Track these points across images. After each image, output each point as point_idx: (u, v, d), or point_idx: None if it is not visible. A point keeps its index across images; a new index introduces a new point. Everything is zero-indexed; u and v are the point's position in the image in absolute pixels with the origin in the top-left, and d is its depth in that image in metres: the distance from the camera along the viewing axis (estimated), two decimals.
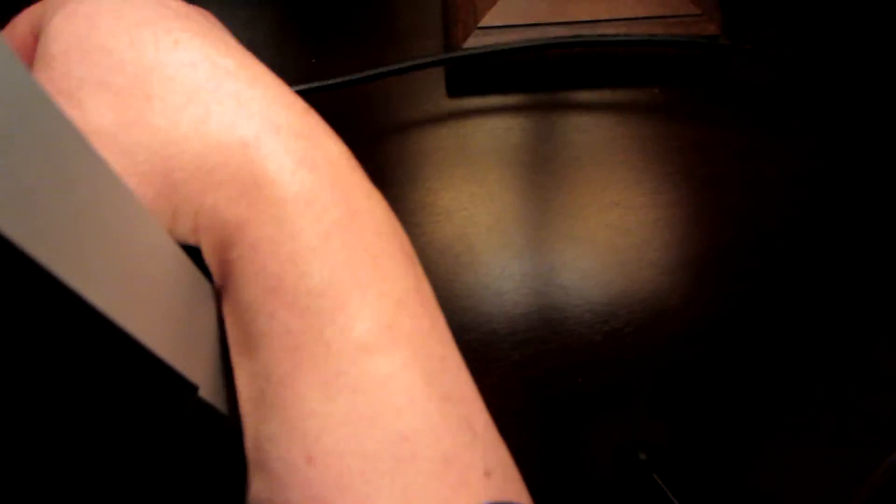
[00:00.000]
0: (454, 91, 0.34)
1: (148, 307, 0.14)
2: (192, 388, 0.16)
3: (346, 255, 0.17)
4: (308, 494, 0.16)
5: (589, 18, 0.32)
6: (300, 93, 0.24)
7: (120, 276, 0.13)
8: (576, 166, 0.33)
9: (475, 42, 0.32)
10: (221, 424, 0.19)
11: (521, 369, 0.31)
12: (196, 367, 0.17)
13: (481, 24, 0.32)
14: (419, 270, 0.19)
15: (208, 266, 0.19)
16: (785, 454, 0.29)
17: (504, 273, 0.32)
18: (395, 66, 0.30)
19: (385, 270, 0.18)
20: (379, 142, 0.33)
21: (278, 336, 0.17)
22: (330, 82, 0.30)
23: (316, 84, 0.30)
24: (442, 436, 0.16)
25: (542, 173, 0.33)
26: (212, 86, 0.18)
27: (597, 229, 0.33)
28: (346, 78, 0.30)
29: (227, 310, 0.18)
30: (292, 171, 0.17)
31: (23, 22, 0.21)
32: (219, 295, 0.19)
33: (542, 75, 0.34)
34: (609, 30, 0.32)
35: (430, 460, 0.16)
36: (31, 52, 0.20)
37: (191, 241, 0.19)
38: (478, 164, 0.33)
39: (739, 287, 0.32)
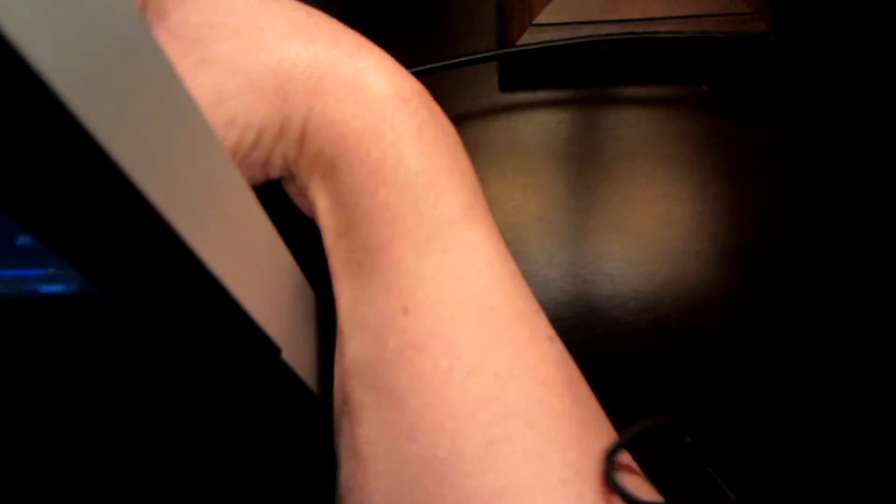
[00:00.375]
0: (506, 86, 0.36)
1: (248, 276, 0.16)
2: (276, 350, 0.18)
3: (435, 147, 0.20)
4: (404, 341, 0.18)
5: (641, 16, 0.33)
6: None
7: (228, 243, 0.15)
8: (624, 159, 0.34)
9: (529, 38, 0.33)
10: (301, 387, 0.21)
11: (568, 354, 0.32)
12: (281, 334, 0.19)
13: (536, 21, 0.33)
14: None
15: (308, 179, 0.22)
16: (831, 440, 0.30)
17: (552, 261, 0.33)
18: (455, 60, 0.31)
19: (462, 164, 0.21)
20: None
21: (378, 210, 0.19)
22: None
23: None
24: (516, 297, 0.19)
25: (590, 166, 0.34)
26: (311, 21, 0.22)
27: (643, 220, 0.34)
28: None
29: (329, 201, 0.21)
30: (390, 77, 0.21)
31: None
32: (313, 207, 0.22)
33: (593, 71, 0.35)
34: (660, 27, 0.33)
35: (506, 315, 0.19)
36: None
37: (292, 154, 0.22)
38: (528, 157, 0.35)
39: (783, 278, 0.32)
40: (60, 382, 0.22)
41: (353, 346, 0.19)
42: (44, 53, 0.08)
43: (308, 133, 0.21)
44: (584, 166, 0.34)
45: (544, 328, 0.20)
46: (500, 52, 0.33)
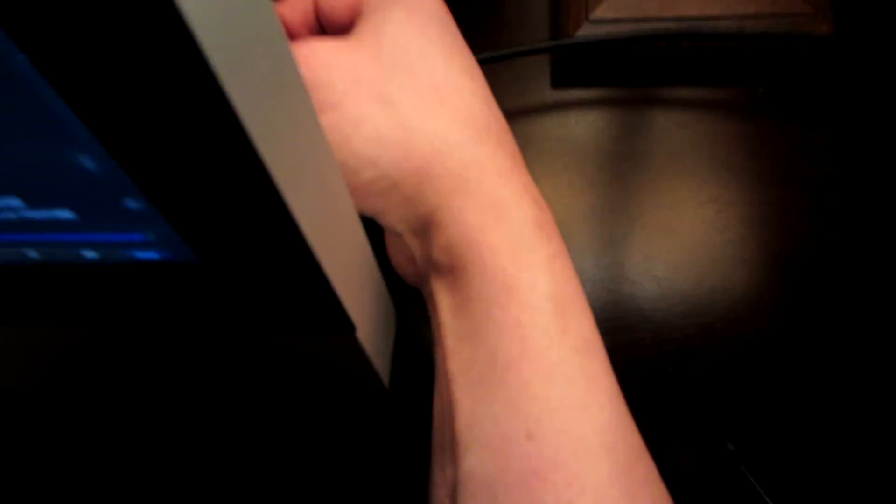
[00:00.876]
0: (558, 82, 0.35)
1: (337, 256, 0.16)
2: (352, 327, 0.18)
3: (563, 276, 0.21)
4: (526, 467, 0.18)
5: (699, 14, 0.32)
6: None
7: (325, 223, 0.15)
8: (675, 161, 0.34)
9: (585, 33, 0.33)
10: (371, 371, 0.21)
11: (612, 356, 0.31)
12: (357, 315, 0.19)
13: (592, 16, 0.32)
14: None
15: (426, 263, 0.23)
16: (876, 453, 0.29)
17: (599, 261, 0.33)
18: (509, 51, 0.31)
19: (584, 296, 0.22)
20: None
21: (508, 326, 0.20)
22: None
23: None
24: (632, 434, 0.20)
25: (641, 166, 0.34)
26: (485, 119, 0.23)
27: (693, 224, 0.33)
28: None
29: (453, 301, 0.21)
30: (530, 205, 0.22)
31: None
32: (422, 281, 0.23)
33: (647, 70, 0.35)
34: (718, 25, 0.32)
35: (626, 452, 0.19)
36: (310, 19, 0.27)
37: (412, 225, 0.23)
38: (578, 154, 0.34)
39: (833, 288, 0.32)
40: (146, 350, 0.22)
41: (470, 461, 0.19)
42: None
43: (439, 221, 0.21)
44: (635, 166, 0.34)
45: (654, 468, 0.20)
46: (557, 43, 0.32)
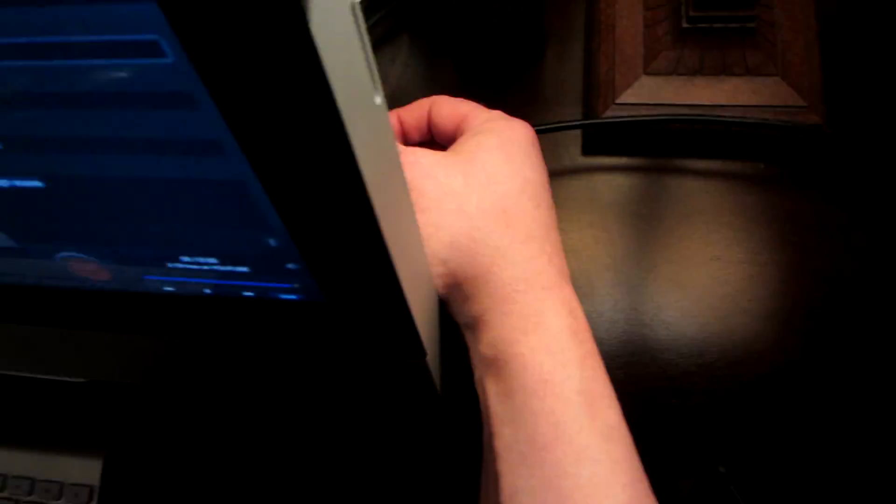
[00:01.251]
0: (588, 150, 0.42)
1: (421, 308, 0.23)
2: (423, 352, 0.24)
3: (593, 374, 0.25)
4: None
5: (708, 102, 0.38)
6: None
7: (412, 269, 0.22)
8: (686, 223, 0.40)
9: (612, 113, 0.39)
10: (432, 386, 0.27)
11: (625, 385, 0.37)
12: (427, 342, 0.25)
13: (618, 100, 0.39)
14: None
15: (476, 354, 0.27)
16: (859, 486, 0.34)
17: (617, 306, 0.39)
18: (549, 125, 0.38)
19: (611, 390, 0.25)
20: None
21: (545, 414, 0.24)
22: None
23: None
24: None
25: (656, 226, 0.40)
26: (540, 243, 0.27)
27: (699, 277, 0.39)
28: None
29: (499, 389, 0.25)
30: (566, 315, 0.25)
31: (443, 105, 0.32)
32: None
33: (665, 144, 0.41)
34: (725, 113, 0.38)
35: None
36: (422, 125, 0.32)
37: (458, 318, 0.27)
38: (603, 213, 0.40)
39: (822, 339, 0.37)
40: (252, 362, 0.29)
41: None
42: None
43: (488, 321, 0.26)
44: (651, 225, 0.40)
45: None
46: (588, 122, 0.39)
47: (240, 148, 0.15)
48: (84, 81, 0.14)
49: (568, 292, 0.27)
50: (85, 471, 0.41)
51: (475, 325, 0.27)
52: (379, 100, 0.16)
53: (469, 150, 0.28)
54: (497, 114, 0.31)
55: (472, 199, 0.26)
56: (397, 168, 0.19)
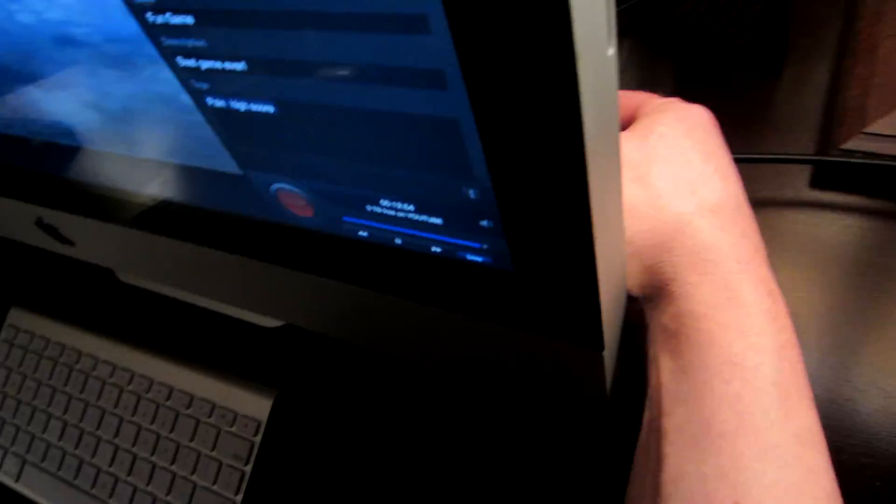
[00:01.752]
0: (818, 184, 0.37)
1: (610, 290, 0.21)
2: (601, 346, 0.23)
3: (791, 367, 0.22)
4: None
5: None
6: None
7: (611, 259, 0.20)
8: None
9: (855, 145, 0.34)
10: (603, 385, 0.26)
11: None
12: (607, 335, 0.23)
13: (868, 129, 0.34)
14: None
15: (654, 323, 0.25)
16: None
17: (824, 360, 0.34)
18: (775, 155, 0.34)
19: (807, 388, 0.22)
20: None
21: (728, 399, 0.21)
22: None
23: None
24: None
25: (888, 279, 0.34)
26: (733, 213, 0.25)
27: None
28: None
29: (675, 364, 0.23)
30: (763, 293, 0.23)
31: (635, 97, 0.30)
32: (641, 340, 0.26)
33: None
34: None
35: None
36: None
37: (645, 291, 0.25)
38: (824, 255, 0.36)
39: None
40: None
41: None
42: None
43: (672, 291, 0.24)
44: (883, 278, 0.34)
45: None
46: (820, 158, 0.35)
47: (464, 82, 0.15)
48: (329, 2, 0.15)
49: (765, 271, 0.24)
50: (258, 406, 0.45)
51: (657, 296, 0.25)
52: (611, 51, 0.15)
53: (645, 125, 0.27)
54: (673, 98, 0.29)
55: (651, 168, 0.25)
56: (615, 123, 0.18)
